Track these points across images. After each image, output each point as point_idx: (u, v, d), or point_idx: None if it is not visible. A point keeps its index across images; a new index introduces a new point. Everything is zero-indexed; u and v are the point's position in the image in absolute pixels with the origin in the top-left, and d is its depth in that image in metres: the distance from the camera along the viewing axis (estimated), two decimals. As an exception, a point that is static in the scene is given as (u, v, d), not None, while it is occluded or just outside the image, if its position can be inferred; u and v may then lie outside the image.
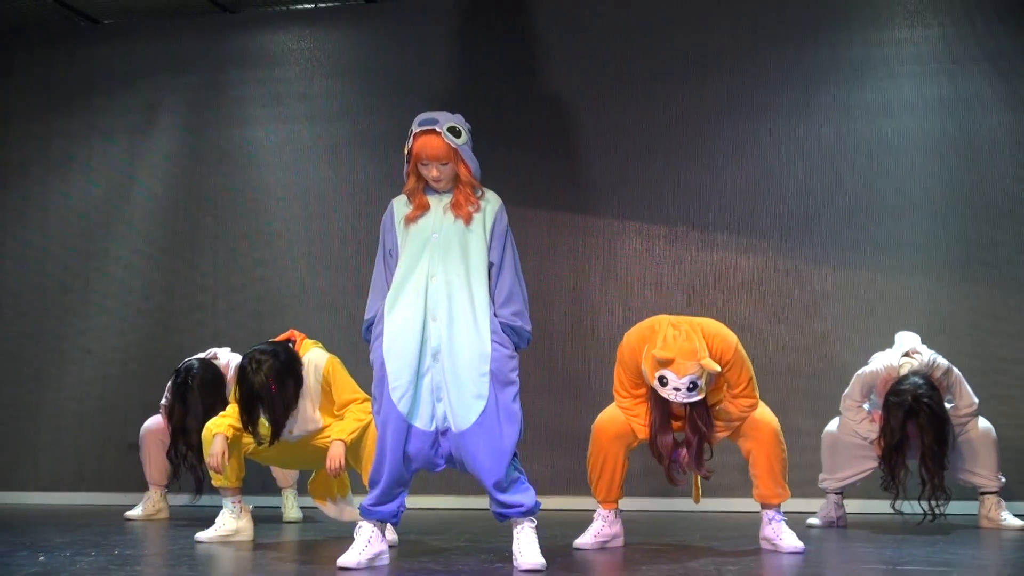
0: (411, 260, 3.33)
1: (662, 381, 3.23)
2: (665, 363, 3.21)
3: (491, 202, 3.46)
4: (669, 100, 5.06)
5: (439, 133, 3.27)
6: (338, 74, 5.46)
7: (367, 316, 3.29)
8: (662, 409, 3.34)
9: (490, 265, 3.29)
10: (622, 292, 4.98)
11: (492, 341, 3.16)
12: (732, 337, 3.38)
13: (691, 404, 3.28)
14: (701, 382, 3.23)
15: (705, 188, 4.99)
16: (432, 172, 3.39)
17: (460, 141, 3.31)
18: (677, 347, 3.21)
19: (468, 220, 3.40)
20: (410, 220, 3.45)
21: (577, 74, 5.21)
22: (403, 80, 5.35)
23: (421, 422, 3.20)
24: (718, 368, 3.24)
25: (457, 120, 3.47)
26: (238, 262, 5.39)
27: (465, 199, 3.42)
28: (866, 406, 3.95)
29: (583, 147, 5.12)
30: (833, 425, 4.05)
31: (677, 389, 3.22)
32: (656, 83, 5.07)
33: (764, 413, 3.44)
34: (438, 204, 3.44)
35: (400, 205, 3.52)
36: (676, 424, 3.43)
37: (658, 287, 4.95)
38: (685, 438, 3.36)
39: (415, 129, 3.34)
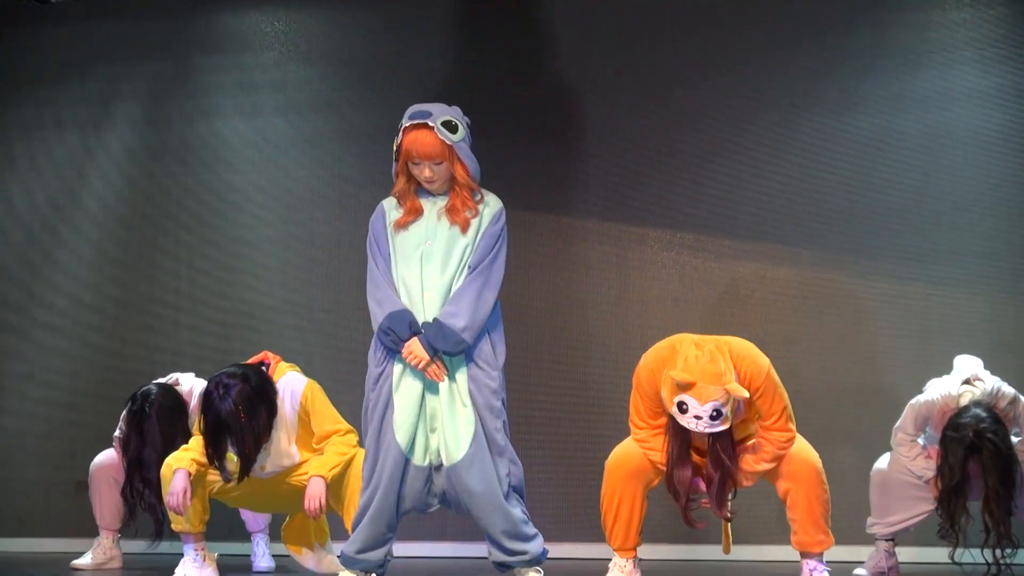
0: (403, 271, 3.43)
1: (682, 407, 3.23)
2: (685, 387, 3.20)
3: (490, 205, 3.51)
4: (695, 92, 5.01)
5: (432, 128, 3.33)
6: (319, 61, 5.42)
7: (387, 310, 3.33)
8: (681, 440, 3.33)
9: (469, 268, 3.38)
10: (640, 309, 4.96)
11: (470, 362, 3.33)
12: (764, 360, 3.36)
13: (714, 435, 3.27)
14: (726, 410, 3.22)
15: (736, 191, 4.95)
16: (424, 172, 3.43)
17: (456, 137, 3.36)
18: (700, 369, 3.21)
19: (465, 227, 3.45)
20: (400, 226, 3.51)
21: (591, 63, 5.15)
22: (394, 69, 5.30)
23: (417, 457, 3.30)
24: (746, 394, 3.23)
25: (454, 113, 3.48)
26: (204, 274, 5.36)
27: (462, 203, 3.47)
28: (921, 440, 3.92)
29: (597, 145, 5.09)
30: (883, 462, 4.00)
31: (698, 417, 3.21)
32: (680, 73, 5.03)
33: (803, 449, 3.40)
34: (432, 208, 3.49)
35: (391, 208, 3.59)
36: (697, 458, 3.40)
37: (681, 303, 4.92)
38: (706, 473, 3.35)
39: (405, 123, 3.40)
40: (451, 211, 3.43)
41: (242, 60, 5.51)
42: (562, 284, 5.07)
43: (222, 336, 5.29)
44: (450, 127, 3.34)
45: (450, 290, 3.39)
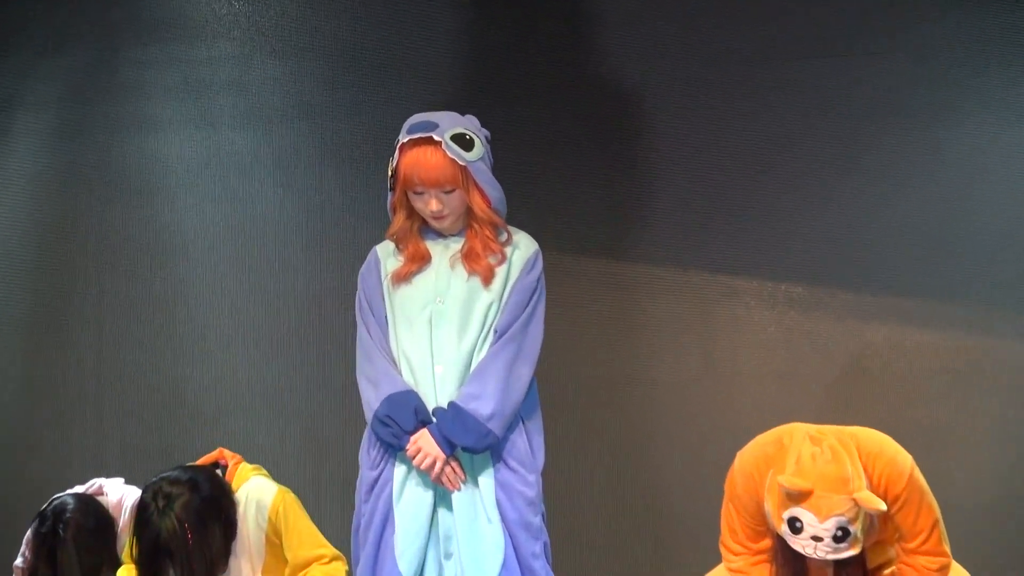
0: (406, 340, 3.46)
1: (794, 526, 3.21)
2: (799, 497, 3.19)
3: (521, 247, 3.56)
4: (783, 93, 5.03)
5: (439, 144, 3.37)
6: (291, 54, 5.44)
7: (385, 392, 3.37)
8: (794, 570, 3.33)
9: (495, 333, 3.46)
10: (731, 388, 4.98)
11: (499, 462, 3.39)
12: (905, 458, 3.35)
13: (839, 563, 3.26)
14: (855, 528, 3.19)
15: (859, 226, 4.92)
16: (430, 204, 3.45)
17: (472, 156, 3.41)
18: (817, 472, 3.19)
19: (488, 278, 3.48)
20: (401, 279, 3.55)
21: (646, 58, 5.15)
22: (390, 64, 5.34)
23: None
24: (882, 506, 3.20)
25: (468, 124, 3.54)
26: (136, 342, 5.39)
27: (483, 245, 3.50)
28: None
29: (655, 161, 5.11)
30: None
31: (817, 538, 3.19)
32: (760, 71, 5.05)
33: (960, 580, 3.65)
34: (443, 254, 3.54)
35: (386, 255, 3.63)
36: (816, 597, 3.62)
37: (788, 379, 4.93)
38: (828, 617, 3.53)
39: (402, 139, 3.45)
40: (469, 257, 3.47)
41: (189, 53, 5.49)
42: (621, 353, 5.09)
43: (160, 428, 5.28)
44: (463, 142, 3.39)
45: (470, 363, 3.43)
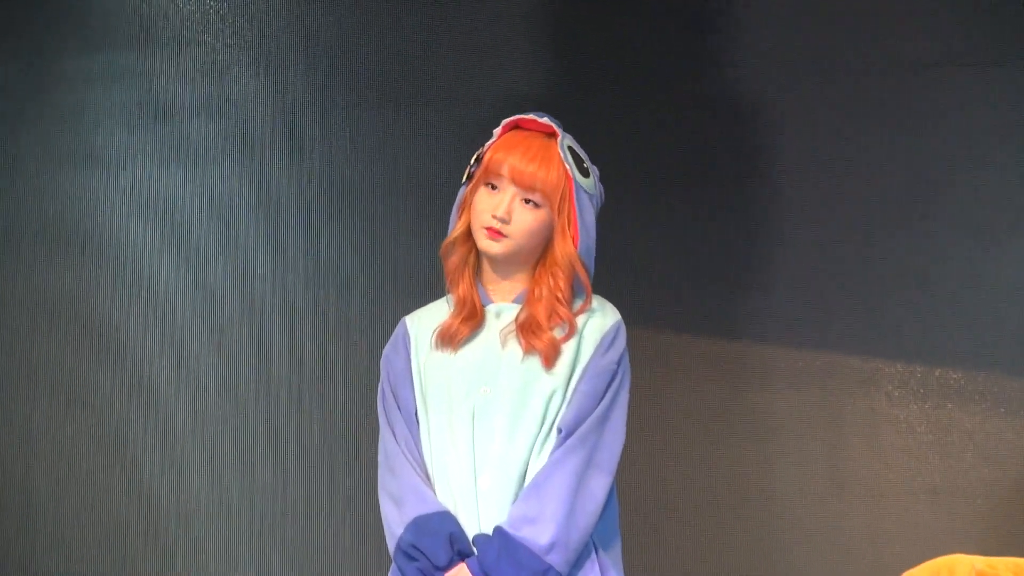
0: (442, 442, 3.40)
1: None
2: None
3: (596, 317, 3.49)
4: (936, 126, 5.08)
5: (555, 139, 3.43)
6: (280, 63, 5.41)
7: (412, 513, 3.31)
8: None
9: (559, 432, 3.36)
10: (867, 504, 4.89)
11: None
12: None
13: None
14: None
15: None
16: (499, 206, 3.39)
17: (583, 180, 3.43)
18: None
19: (550, 357, 3.40)
20: (448, 341, 3.45)
21: (773, 68, 5.18)
22: (415, 77, 5.32)
23: None
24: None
25: (583, 152, 3.54)
26: (77, 425, 5.36)
27: (547, 311, 3.43)
28: None
29: (775, 209, 5.09)
30: None
31: None
32: (929, 80, 5.09)
33: None
34: (492, 324, 3.49)
35: (420, 329, 3.56)
36: None
37: (946, 495, 4.86)
38: None
39: (509, 120, 3.52)
40: (527, 329, 3.39)
41: (145, 63, 5.46)
42: (726, 459, 5.01)
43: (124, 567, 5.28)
44: (578, 162, 3.41)
45: (525, 474, 3.36)
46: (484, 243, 3.38)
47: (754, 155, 5.14)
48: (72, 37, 5.58)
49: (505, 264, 3.43)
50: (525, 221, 3.34)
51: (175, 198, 5.46)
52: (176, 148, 5.47)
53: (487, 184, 3.39)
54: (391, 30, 5.41)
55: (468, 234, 3.44)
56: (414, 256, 5.09)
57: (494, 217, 3.33)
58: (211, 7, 5.51)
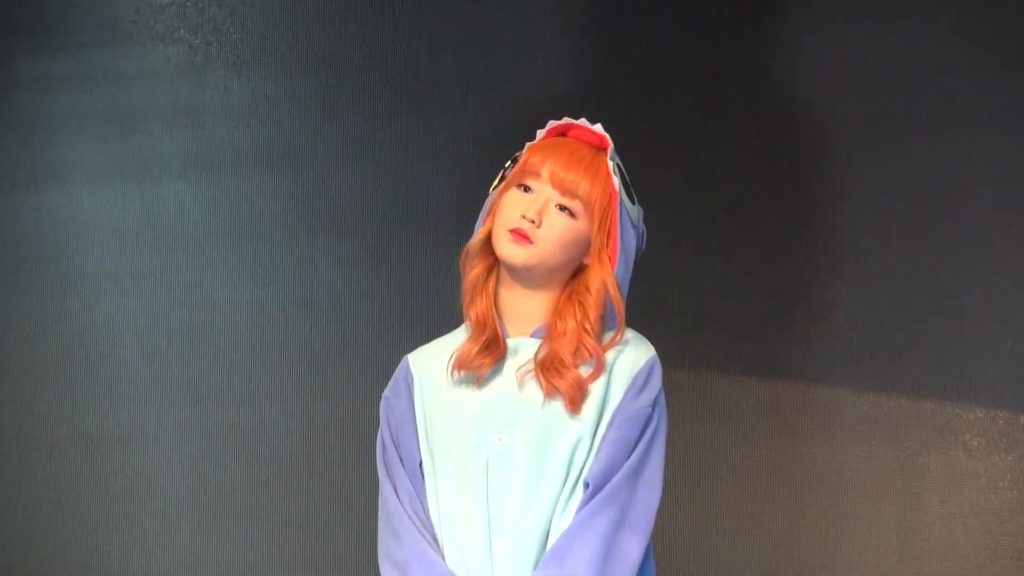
0: (450, 499, 3.36)
1: None
2: None
3: (628, 352, 3.41)
4: None
5: (604, 152, 3.40)
6: (266, 64, 5.28)
7: None
8: None
9: (586, 487, 3.30)
10: (956, 569, 4.89)
11: None
12: None
13: None
14: None
15: None
16: (530, 207, 3.33)
17: (630, 207, 3.42)
18: None
19: (576, 399, 3.33)
20: (467, 365, 3.39)
21: (837, 76, 5.01)
22: (427, 77, 5.21)
23: None
24: None
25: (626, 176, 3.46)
26: (32, 480, 5.44)
27: (573, 346, 3.35)
28: None
29: (837, 227, 5.00)
30: None
31: None
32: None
33: None
34: (510, 363, 3.42)
35: (424, 368, 3.50)
36: None
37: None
38: None
39: (553, 124, 3.51)
40: (548, 367, 3.29)
41: (111, 63, 5.36)
42: (781, 523, 4.97)
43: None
44: (624, 181, 3.38)
45: (547, 536, 3.31)
46: (506, 248, 3.25)
47: (817, 176, 5.09)
48: (27, 35, 5.48)
49: (525, 284, 3.31)
50: (558, 228, 3.23)
51: (145, 219, 5.39)
52: (146, 161, 5.39)
53: (520, 186, 3.29)
54: (396, 29, 5.30)
55: (490, 246, 3.33)
56: (419, 286, 4.96)
57: (523, 218, 3.22)
58: (188, 2, 5.39)
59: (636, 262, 3.43)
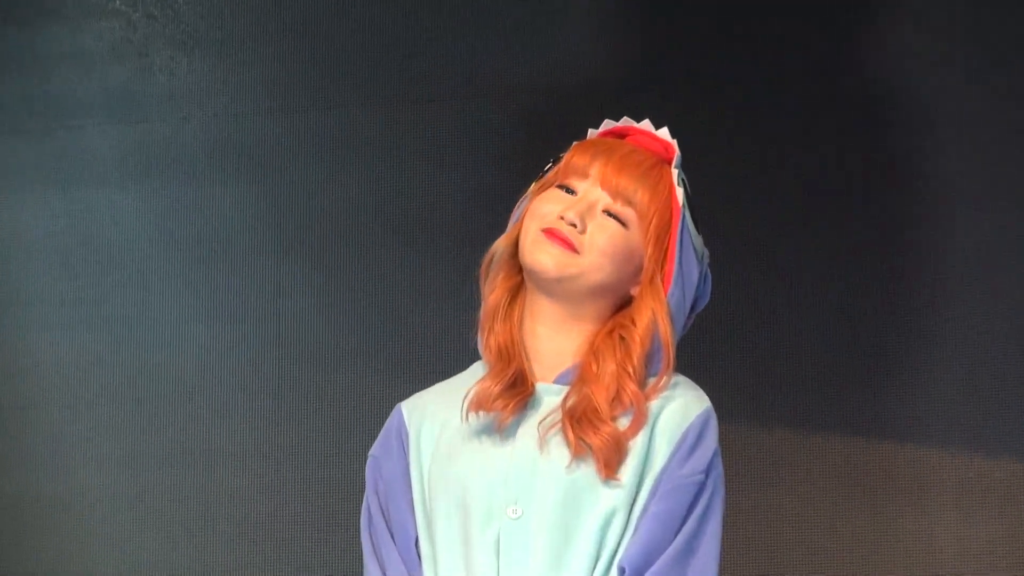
0: (447, 565, 3.17)
1: None
2: None
3: (677, 401, 3.08)
4: None
5: (668, 164, 3.26)
6: (223, 43, 5.29)
7: None
8: None
9: (621, 574, 3.08)
10: None
11: None
12: None
13: None
14: None
15: None
16: (571, 208, 3.14)
17: (694, 235, 3.30)
18: None
19: (612, 460, 3.00)
20: (484, 406, 3.20)
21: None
22: (427, 70, 5.17)
23: None
24: None
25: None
26: None
27: (610, 393, 3.13)
28: None
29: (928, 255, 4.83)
30: None
31: None
32: None
33: None
34: (531, 412, 3.24)
35: (422, 416, 3.24)
36: None
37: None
38: None
39: (610, 126, 3.38)
40: (578, 416, 2.97)
41: (28, 43, 5.37)
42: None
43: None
44: (689, 200, 3.24)
45: None
46: (536, 253, 2.96)
47: (908, 201, 4.94)
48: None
49: (553, 315, 3.12)
50: (604, 234, 2.91)
51: (73, 235, 5.26)
52: (77, 162, 5.27)
53: (560, 187, 3.14)
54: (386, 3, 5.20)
55: (517, 260, 3.21)
56: (416, 317, 4.89)
57: (561, 219, 3.11)
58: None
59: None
